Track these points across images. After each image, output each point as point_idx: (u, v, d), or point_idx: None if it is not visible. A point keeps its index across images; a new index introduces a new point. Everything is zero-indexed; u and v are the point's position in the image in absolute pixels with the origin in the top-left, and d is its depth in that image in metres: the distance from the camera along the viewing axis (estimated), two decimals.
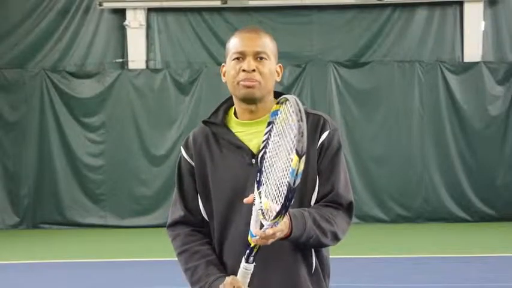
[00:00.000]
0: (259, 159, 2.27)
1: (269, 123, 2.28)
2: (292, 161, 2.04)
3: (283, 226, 2.20)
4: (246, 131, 2.50)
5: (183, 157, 2.57)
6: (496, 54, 13.64)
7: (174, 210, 2.61)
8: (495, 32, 13.66)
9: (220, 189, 2.48)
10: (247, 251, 2.23)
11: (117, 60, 13.87)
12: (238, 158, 2.46)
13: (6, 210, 13.51)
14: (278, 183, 2.14)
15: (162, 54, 13.92)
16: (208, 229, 2.56)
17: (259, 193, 2.22)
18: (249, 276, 2.27)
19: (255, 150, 2.45)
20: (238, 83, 2.45)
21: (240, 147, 2.47)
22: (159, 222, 12.53)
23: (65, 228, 13.27)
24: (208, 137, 2.54)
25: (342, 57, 13.62)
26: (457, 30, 13.67)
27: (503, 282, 7.57)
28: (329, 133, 2.47)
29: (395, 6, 13.69)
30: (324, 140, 2.45)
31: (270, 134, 2.28)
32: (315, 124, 2.46)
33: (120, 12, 13.82)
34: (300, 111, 2.07)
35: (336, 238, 2.43)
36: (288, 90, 13.00)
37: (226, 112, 2.58)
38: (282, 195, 2.08)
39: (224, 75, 2.55)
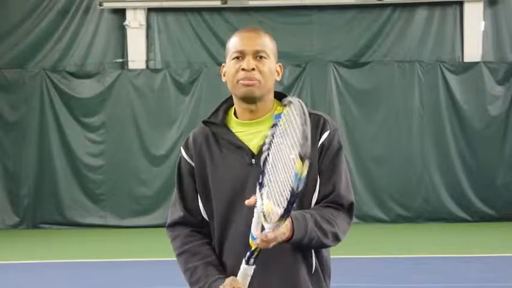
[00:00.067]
0: (261, 161, 2.26)
1: (273, 126, 2.27)
2: (295, 164, 2.04)
3: (284, 229, 2.20)
4: (246, 131, 2.49)
5: (183, 157, 2.57)
6: (496, 54, 13.64)
7: (173, 210, 2.61)
8: (495, 32, 13.67)
9: (220, 189, 2.48)
10: (248, 253, 2.23)
11: (117, 60, 13.87)
12: (238, 158, 2.46)
13: (6, 210, 13.51)
14: (280, 186, 2.14)
15: (162, 54, 13.92)
16: (208, 229, 2.56)
17: (261, 195, 2.21)
18: (249, 278, 2.27)
19: (255, 150, 2.45)
20: (237, 82, 2.45)
21: (240, 147, 2.47)
22: (159, 222, 12.53)
23: (65, 228, 13.27)
24: (208, 137, 2.54)
25: (342, 57, 13.62)
26: (457, 30, 13.67)
27: (503, 282, 7.57)
28: (329, 133, 2.46)
29: (395, 6, 13.70)
30: (325, 140, 2.45)
31: (273, 136, 2.26)
32: (315, 124, 2.45)
33: (120, 12, 13.82)
34: (304, 114, 2.06)
35: (337, 239, 2.43)
36: (288, 90, 13.00)
37: (226, 112, 2.58)
38: (285, 198, 2.07)
39: (224, 75, 2.55)
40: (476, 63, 13.36)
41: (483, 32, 13.55)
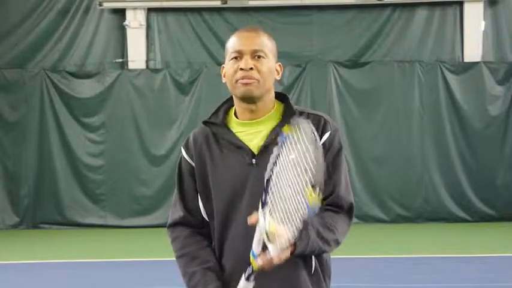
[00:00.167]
0: (265, 179, 2.26)
1: (277, 144, 2.26)
2: (308, 194, 2.06)
3: (288, 249, 2.22)
4: (246, 131, 2.50)
5: (184, 157, 2.58)
6: (496, 54, 13.64)
7: (174, 211, 2.61)
8: (495, 32, 13.67)
9: (220, 189, 2.48)
10: (249, 271, 2.22)
11: (117, 60, 13.87)
12: (238, 158, 2.46)
13: (6, 210, 13.51)
14: (288, 208, 2.15)
15: (162, 54, 13.92)
16: (208, 230, 2.56)
17: (264, 214, 2.21)
18: None
19: (255, 150, 2.45)
20: (236, 82, 2.45)
21: (240, 147, 2.47)
22: (159, 222, 12.52)
23: (65, 228, 13.27)
24: (209, 137, 2.54)
25: (342, 57, 13.62)
26: (457, 30, 13.67)
27: (503, 282, 7.57)
28: (330, 134, 2.46)
29: (395, 6, 13.70)
30: (325, 140, 2.45)
31: (278, 156, 2.25)
32: (315, 125, 2.45)
33: (120, 12, 13.82)
34: (315, 139, 2.08)
35: (337, 244, 2.45)
36: (288, 90, 13.01)
37: (226, 112, 2.58)
38: (294, 225, 2.09)
39: (224, 76, 2.55)
40: (476, 63, 13.36)
41: (483, 32, 13.55)
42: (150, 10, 13.89)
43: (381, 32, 13.72)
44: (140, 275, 8.54)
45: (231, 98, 2.57)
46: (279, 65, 2.56)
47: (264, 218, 2.18)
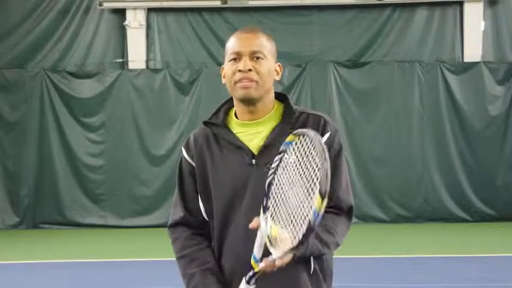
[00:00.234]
0: (266, 185, 2.27)
1: (280, 152, 2.27)
2: (312, 199, 2.06)
3: (291, 253, 2.21)
4: (246, 132, 2.50)
5: (184, 157, 2.58)
6: (496, 54, 13.65)
7: (174, 211, 2.62)
8: (495, 32, 13.67)
9: (220, 189, 2.49)
10: (250, 274, 2.22)
11: (117, 60, 13.88)
12: (238, 158, 2.47)
13: (6, 210, 13.51)
14: (291, 214, 2.15)
15: (162, 54, 13.92)
16: (208, 230, 2.57)
17: (266, 218, 2.22)
18: None
19: (255, 151, 2.46)
20: (235, 84, 2.46)
21: (240, 147, 2.47)
22: (159, 222, 12.53)
23: (65, 228, 13.27)
24: (209, 137, 2.54)
25: (342, 57, 13.62)
26: (457, 30, 13.67)
27: (503, 282, 7.57)
28: (330, 134, 2.46)
29: (395, 6, 13.70)
30: (325, 141, 2.43)
31: (280, 162, 2.26)
32: (315, 125, 2.45)
33: (120, 12, 13.83)
34: (323, 150, 2.07)
35: (337, 246, 2.46)
36: (288, 90, 13.01)
37: (226, 113, 2.58)
38: (298, 230, 2.09)
39: (224, 77, 2.55)
40: (476, 63, 13.36)
41: (483, 32, 13.56)
42: (150, 10, 13.89)
43: (381, 32, 13.72)
44: (140, 275, 8.54)
45: (231, 98, 2.57)
46: (279, 66, 2.56)
47: (266, 223, 2.19)
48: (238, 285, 2.26)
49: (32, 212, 13.49)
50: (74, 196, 13.45)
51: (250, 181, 2.42)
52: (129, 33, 13.75)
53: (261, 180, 2.32)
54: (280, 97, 2.58)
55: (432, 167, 13.27)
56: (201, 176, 2.53)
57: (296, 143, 2.22)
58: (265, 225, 2.19)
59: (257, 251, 2.21)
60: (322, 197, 2.02)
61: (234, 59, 2.46)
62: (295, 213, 2.13)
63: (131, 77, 13.62)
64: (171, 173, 12.66)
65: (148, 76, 13.63)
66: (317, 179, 2.06)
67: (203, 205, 2.55)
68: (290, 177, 2.21)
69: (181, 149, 2.61)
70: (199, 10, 13.84)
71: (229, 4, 13.63)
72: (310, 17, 13.78)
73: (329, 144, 2.44)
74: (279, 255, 2.13)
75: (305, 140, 2.18)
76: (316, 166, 2.08)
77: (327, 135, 2.45)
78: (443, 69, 13.33)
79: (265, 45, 2.49)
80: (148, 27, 13.88)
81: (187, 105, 13.49)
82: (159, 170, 13.36)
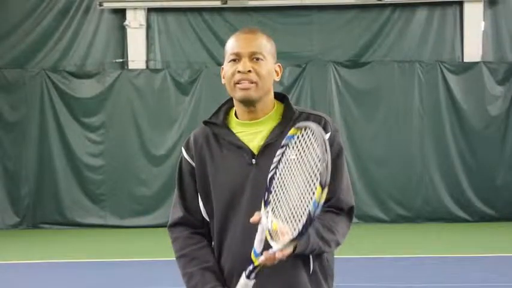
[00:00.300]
0: (268, 178, 2.27)
1: (282, 146, 2.28)
2: (313, 191, 2.06)
3: (291, 245, 2.21)
4: (247, 131, 2.50)
5: (184, 157, 2.58)
6: (496, 54, 13.64)
7: (174, 211, 2.62)
8: (495, 32, 13.67)
9: (220, 189, 2.49)
10: (250, 268, 2.22)
11: (117, 60, 13.87)
12: (238, 158, 2.47)
13: (6, 210, 13.50)
14: (292, 207, 2.15)
15: (162, 54, 13.92)
16: (208, 229, 2.57)
17: (267, 212, 2.22)
18: None
19: (255, 150, 2.46)
20: (235, 85, 2.46)
21: (240, 147, 2.47)
22: (159, 222, 12.53)
23: (65, 228, 13.27)
24: (209, 137, 2.55)
25: (342, 57, 13.62)
26: (457, 30, 13.67)
27: (503, 282, 7.57)
28: (330, 135, 2.47)
29: (395, 6, 13.69)
30: None
31: (282, 156, 2.27)
32: None
33: (120, 12, 13.83)
34: (324, 142, 2.07)
35: (337, 245, 2.46)
36: (288, 90, 13.01)
37: (227, 113, 2.59)
38: (298, 221, 2.09)
39: (224, 78, 2.55)
40: (476, 63, 13.36)
41: (483, 32, 13.55)
42: (150, 10, 13.89)
43: (381, 32, 13.71)
44: (140, 275, 8.54)
45: (232, 98, 2.58)
46: (279, 66, 2.56)
47: (267, 217, 2.19)
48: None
49: (32, 212, 13.49)
50: (74, 196, 13.44)
51: (250, 181, 2.43)
52: (129, 33, 13.75)
53: (261, 180, 2.32)
54: (280, 97, 2.59)
55: (432, 167, 13.27)
56: (200, 176, 2.53)
57: (298, 137, 2.23)
58: (266, 219, 2.19)
59: (257, 246, 2.21)
60: (322, 187, 2.02)
61: (234, 60, 2.47)
62: (296, 206, 2.13)
63: (131, 77, 13.61)
64: (171, 173, 12.66)
65: (148, 76, 13.62)
66: (318, 171, 2.06)
67: (203, 205, 2.55)
68: (292, 171, 2.21)
69: (181, 149, 2.62)
70: (199, 10, 13.84)
71: (229, 4, 13.63)
72: (310, 17, 13.78)
73: (329, 144, 2.44)
74: (279, 247, 2.13)
75: (307, 133, 2.19)
76: (318, 158, 2.08)
77: (327, 136, 2.44)
78: (443, 69, 13.33)
79: (265, 46, 2.49)
80: (148, 27, 13.88)
81: (187, 105, 13.49)
82: (159, 170, 13.36)
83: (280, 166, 2.26)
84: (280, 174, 2.25)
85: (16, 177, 13.55)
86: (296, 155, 2.21)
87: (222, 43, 11.91)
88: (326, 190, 2.03)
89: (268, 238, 2.17)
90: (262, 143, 2.46)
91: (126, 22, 13.67)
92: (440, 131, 13.30)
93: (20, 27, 13.86)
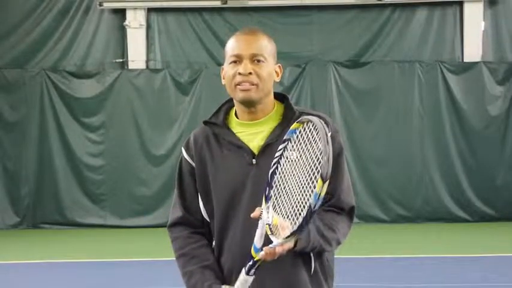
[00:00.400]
0: (269, 173, 2.27)
1: (284, 140, 2.28)
2: (314, 184, 2.06)
3: (291, 240, 2.21)
4: (247, 131, 2.50)
5: (184, 157, 2.59)
6: (496, 54, 13.64)
7: (173, 211, 2.63)
8: (495, 32, 13.66)
9: (220, 189, 2.49)
10: (250, 264, 2.22)
11: (117, 60, 13.87)
12: (238, 158, 2.47)
13: (6, 210, 13.50)
14: (293, 202, 2.15)
15: (162, 54, 13.92)
16: (208, 229, 2.58)
17: (267, 208, 2.22)
18: (248, 287, 2.26)
19: (255, 150, 2.46)
20: (235, 86, 2.46)
21: (240, 147, 2.48)
22: (159, 222, 12.53)
23: (65, 228, 13.27)
24: (209, 137, 2.55)
25: (342, 57, 13.62)
26: (457, 30, 13.67)
27: (503, 282, 7.57)
28: (331, 135, 2.46)
29: (396, 6, 13.69)
30: None
31: (284, 150, 2.27)
32: None
33: (120, 12, 13.83)
34: (326, 134, 2.07)
35: (338, 244, 2.46)
36: (288, 90, 13.02)
37: (227, 113, 2.59)
38: (298, 215, 2.09)
39: (224, 78, 2.55)
40: (476, 63, 13.36)
41: (483, 32, 13.55)
42: (150, 10, 13.89)
43: (381, 32, 13.71)
44: (140, 275, 8.54)
45: (232, 98, 2.58)
46: (279, 67, 2.56)
47: (268, 212, 2.19)
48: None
49: (32, 212, 13.49)
50: (74, 196, 13.44)
51: (250, 180, 2.43)
52: (129, 33, 13.75)
53: (262, 179, 2.32)
54: (280, 97, 2.59)
55: (432, 167, 13.27)
56: (200, 176, 2.53)
57: (300, 131, 2.23)
58: (267, 214, 2.19)
59: (258, 241, 2.21)
60: (324, 180, 2.02)
61: (235, 62, 2.46)
62: (297, 201, 2.13)
63: (131, 77, 13.61)
64: (171, 173, 12.66)
65: (148, 76, 13.62)
66: (319, 164, 2.06)
67: (203, 205, 2.55)
68: (293, 165, 2.21)
69: (181, 149, 2.62)
70: (199, 10, 13.84)
71: (229, 4, 13.63)
72: (310, 17, 13.78)
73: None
74: (280, 241, 2.12)
75: (309, 126, 2.19)
76: (319, 151, 2.08)
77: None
78: (443, 69, 13.33)
79: (266, 47, 2.48)
80: (148, 27, 13.88)
81: (187, 105, 13.49)
82: (159, 170, 13.36)
83: (282, 161, 2.26)
84: (281, 169, 2.25)
85: (16, 177, 13.55)
86: (298, 149, 2.22)
87: (222, 43, 11.93)
88: (327, 183, 2.02)
89: (269, 233, 2.17)
90: (262, 143, 2.46)
91: (126, 22, 13.67)
92: (440, 131, 13.30)
93: (20, 27, 13.85)
